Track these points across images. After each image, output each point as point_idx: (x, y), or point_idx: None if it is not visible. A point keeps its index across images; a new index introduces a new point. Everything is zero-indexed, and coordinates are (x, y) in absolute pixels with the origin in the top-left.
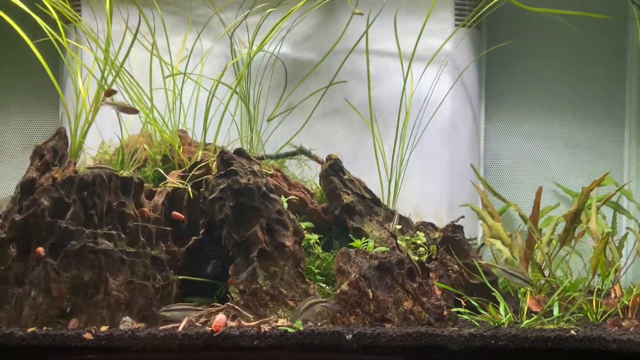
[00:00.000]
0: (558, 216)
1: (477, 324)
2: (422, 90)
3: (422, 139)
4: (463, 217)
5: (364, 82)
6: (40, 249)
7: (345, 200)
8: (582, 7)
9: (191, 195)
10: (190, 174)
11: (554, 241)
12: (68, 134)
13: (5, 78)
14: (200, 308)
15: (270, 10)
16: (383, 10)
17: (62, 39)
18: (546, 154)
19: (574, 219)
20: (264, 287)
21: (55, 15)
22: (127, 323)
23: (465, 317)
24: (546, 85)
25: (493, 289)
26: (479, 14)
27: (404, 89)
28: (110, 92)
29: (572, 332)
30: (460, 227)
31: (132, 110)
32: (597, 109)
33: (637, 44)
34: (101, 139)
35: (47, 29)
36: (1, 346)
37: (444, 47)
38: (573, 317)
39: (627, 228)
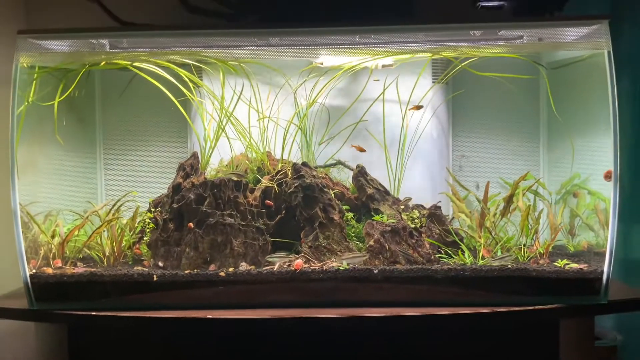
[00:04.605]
0: (499, 199)
1: (451, 264)
2: (413, 122)
3: (414, 153)
4: (440, 201)
5: (378, 120)
6: (191, 224)
7: (368, 192)
8: (511, 68)
9: (276, 190)
10: (275, 178)
11: (497, 215)
12: (199, 155)
13: (147, 123)
14: (286, 257)
15: (319, 78)
16: (389, 75)
17: (193, 96)
18: (492, 159)
19: (509, 200)
20: (323, 244)
21: (188, 81)
22: (244, 266)
23: (444, 259)
24: (490, 115)
25: (460, 243)
26: (446, 75)
27: (402, 121)
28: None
29: (509, 266)
30: (439, 207)
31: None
32: (523, 129)
33: (544, 89)
34: (220, 157)
35: (183, 89)
36: (171, 282)
37: (426, 96)
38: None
39: (543, 204)
